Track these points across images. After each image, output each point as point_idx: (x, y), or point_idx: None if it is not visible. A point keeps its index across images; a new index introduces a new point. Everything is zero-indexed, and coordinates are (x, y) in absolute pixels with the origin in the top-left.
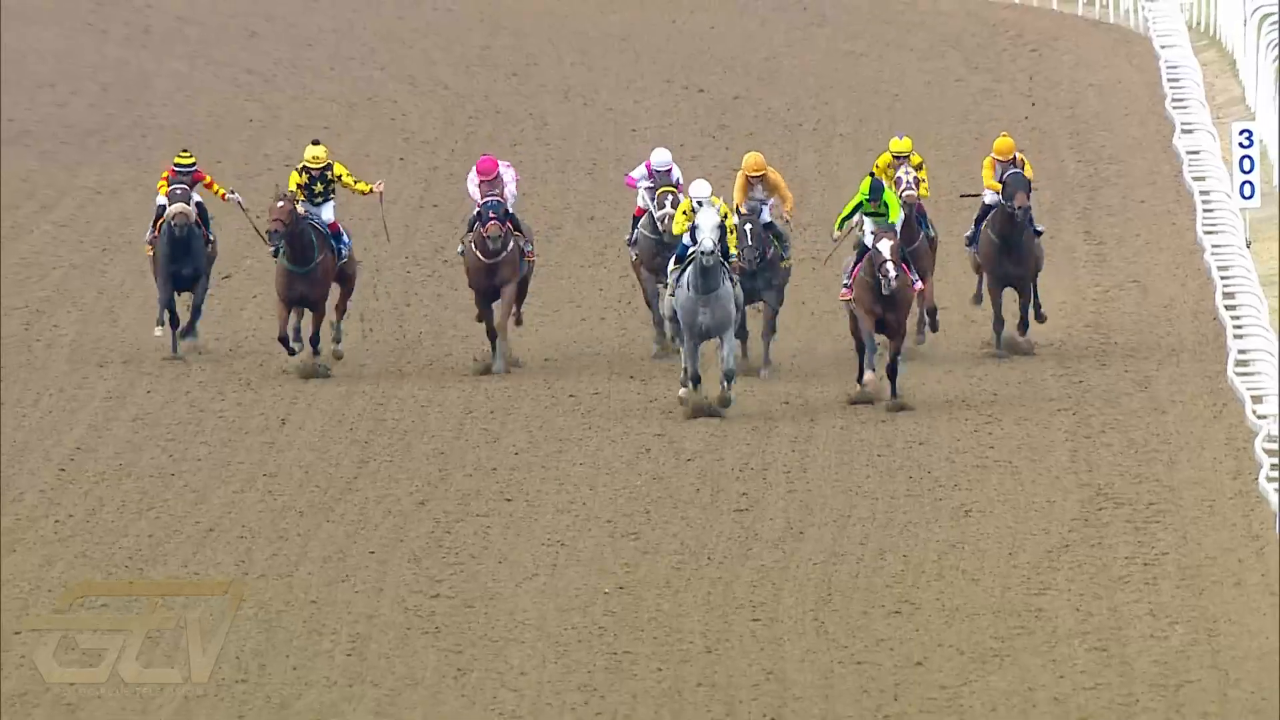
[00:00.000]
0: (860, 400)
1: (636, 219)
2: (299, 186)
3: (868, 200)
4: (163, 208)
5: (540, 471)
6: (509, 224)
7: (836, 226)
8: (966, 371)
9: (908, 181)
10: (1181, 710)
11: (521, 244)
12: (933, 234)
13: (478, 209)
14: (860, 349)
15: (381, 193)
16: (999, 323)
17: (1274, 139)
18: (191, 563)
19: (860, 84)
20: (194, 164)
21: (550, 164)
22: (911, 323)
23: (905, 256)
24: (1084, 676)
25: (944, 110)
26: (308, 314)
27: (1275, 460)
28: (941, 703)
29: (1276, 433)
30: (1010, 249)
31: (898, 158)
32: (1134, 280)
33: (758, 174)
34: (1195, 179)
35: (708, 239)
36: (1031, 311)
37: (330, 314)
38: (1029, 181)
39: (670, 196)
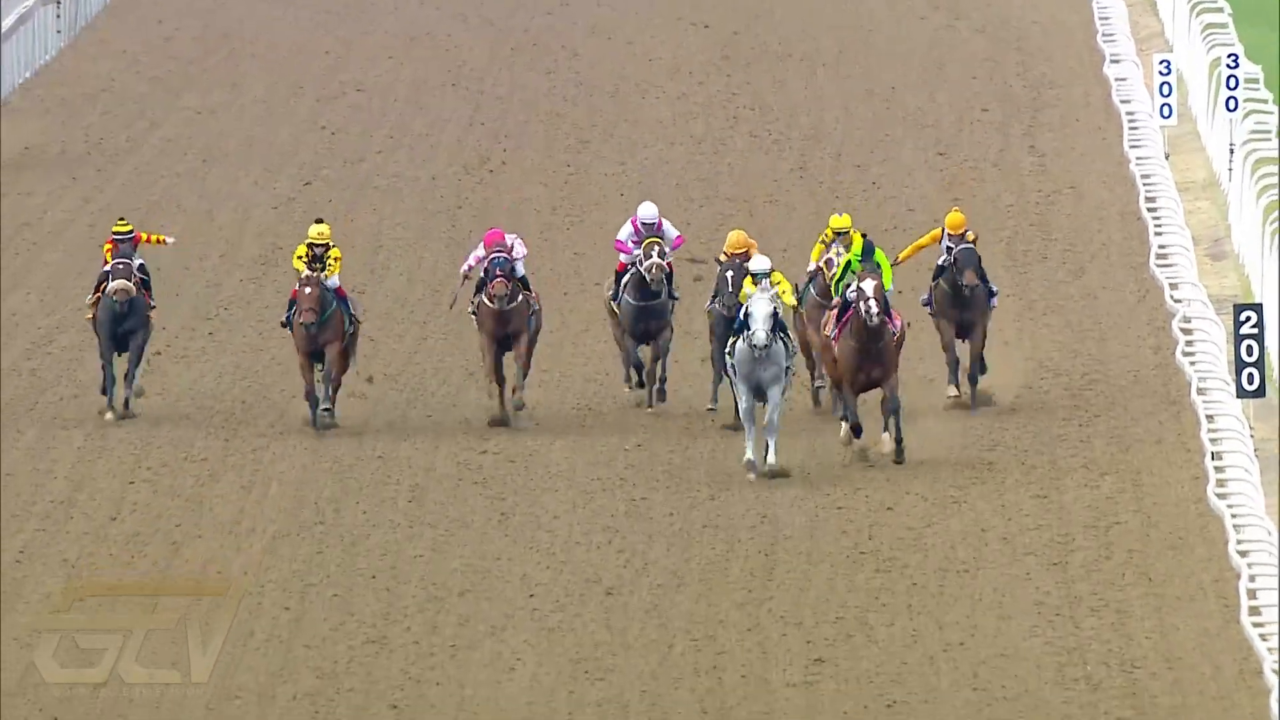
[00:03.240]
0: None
1: (620, 274)
2: (303, 258)
3: (859, 260)
4: (107, 274)
5: (570, 348)
6: (516, 282)
7: (834, 291)
8: (926, 265)
9: (838, 261)
10: (1110, 547)
11: (531, 301)
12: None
13: (485, 268)
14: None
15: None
16: (955, 363)
17: (1188, 67)
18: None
19: (840, 22)
20: (131, 231)
21: (580, 89)
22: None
23: (887, 303)
24: (1028, 519)
25: (911, 42)
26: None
27: (1188, 338)
28: (909, 541)
29: (1189, 314)
30: (963, 301)
31: (838, 234)
32: (1071, 187)
33: (740, 251)
34: (1122, 101)
35: (760, 331)
36: (976, 365)
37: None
38: (979, 256)
39: (656, 247)
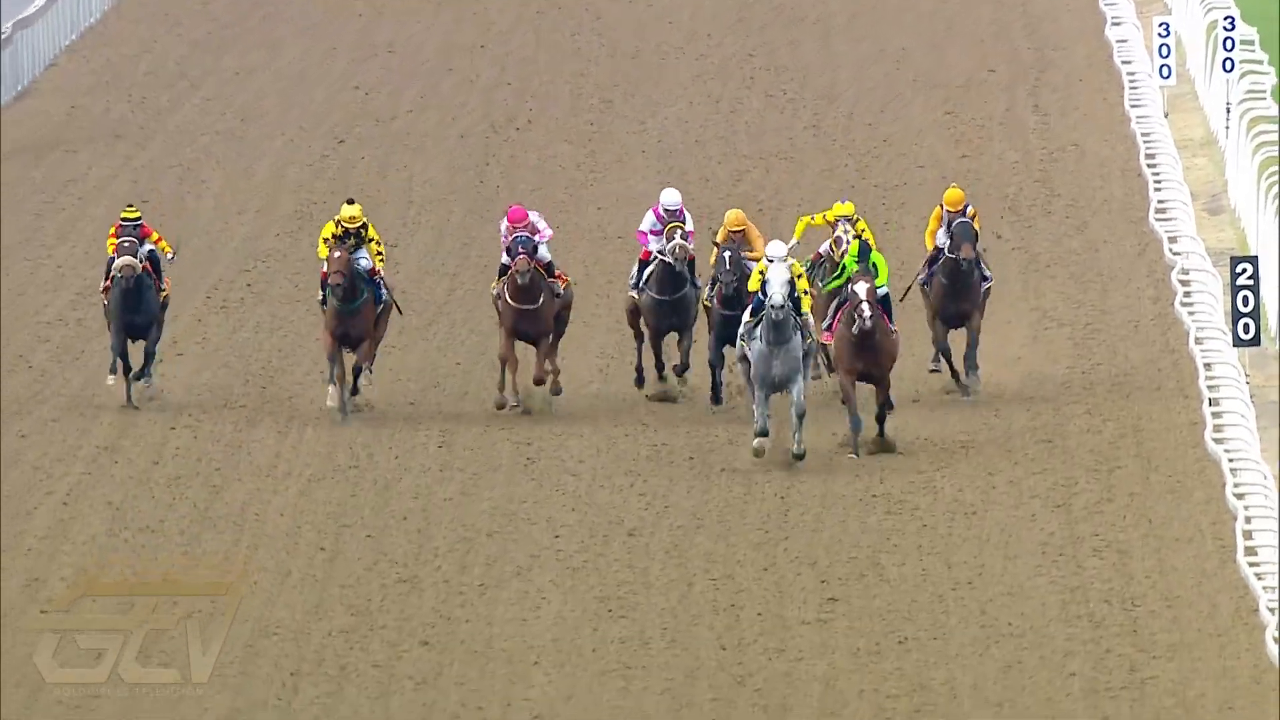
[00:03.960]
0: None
1: (643, 263)
2: (334, 237)
3: (855, 262)
4: (113, 260)
5: (594, 300)
6: (538, 264)
7: (849, 266)
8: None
9: (847, 241)
10: (1112, 490)
11: (555, 288)
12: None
13: (508, 245)
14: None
15: (379, 273)
16: (948, 354)
17: (1186, 29)
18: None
19: None
20: (139, 219)
21: (602, 49)
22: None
23: (886, 305)
24: (1033, 464)
25: (921, 6)
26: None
27: (1186, 290)
28: (919, 484)
29: (1187, 266)
30: (959, 292)
31: (843, 219)
32: (1074, 144)
33: (738, 229)
34: (1123, 62)
35: (777, 293)
36: (968, 360)
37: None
38: (976, 233)
39: (679, 230)
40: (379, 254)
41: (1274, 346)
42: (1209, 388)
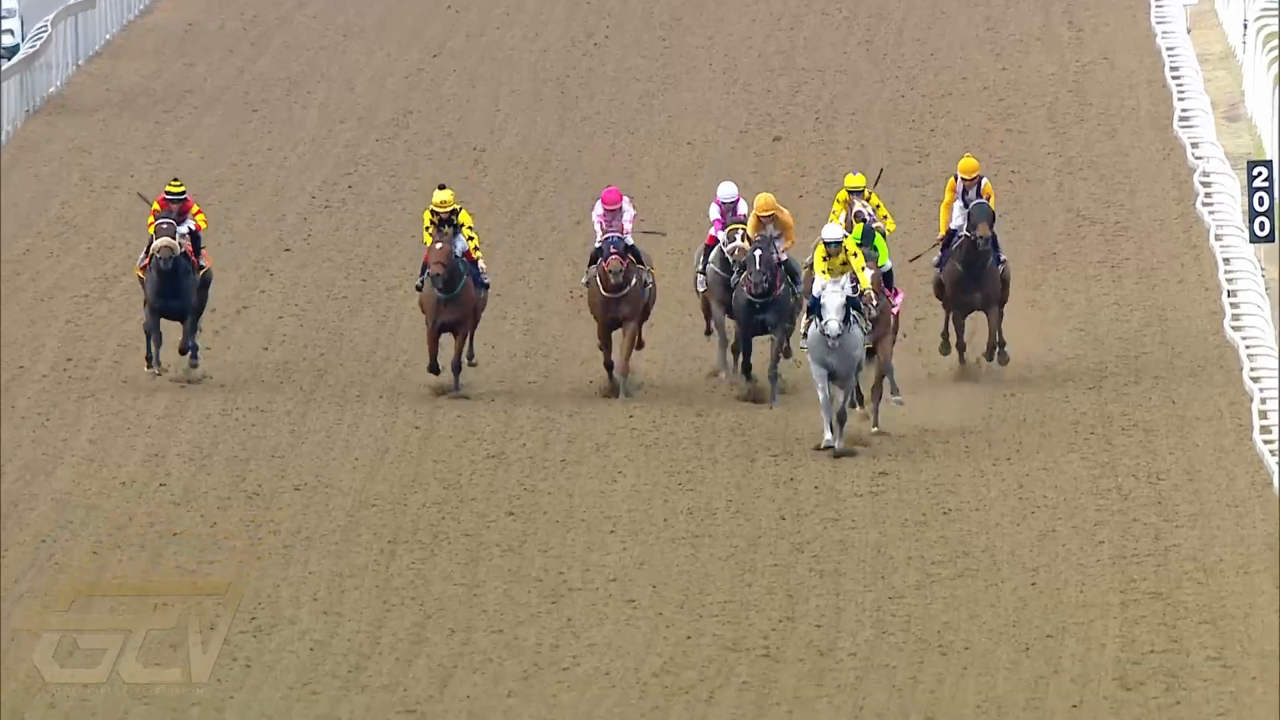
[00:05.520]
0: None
1: (709, 247)
2: (431, 225)
3: (859, 245)
4: (152, 239)
5: (664, 200)
6: (630, 257)
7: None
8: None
9: (868, 214)
10: (1139, 374)
11: (644, 276)
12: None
13: (599, 244)
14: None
15: (479, 261)
16: (962, 346)
17: None
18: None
19: None
20: (183, 193)
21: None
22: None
23: (888, 280)
24: (1066, 349)
25: None
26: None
27: (1207, 191)
28: (962, 371)
29: (1208, 169)
30: (974, 277)
31: (852, 192)
32: (1105, 58)
33: (768, 214)
34: None
35: (833, 322)
36: (998, 344)
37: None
38: (992, 212)
39: (740, 232)
40: (471, 238)
41: None
42: (1227, 280)
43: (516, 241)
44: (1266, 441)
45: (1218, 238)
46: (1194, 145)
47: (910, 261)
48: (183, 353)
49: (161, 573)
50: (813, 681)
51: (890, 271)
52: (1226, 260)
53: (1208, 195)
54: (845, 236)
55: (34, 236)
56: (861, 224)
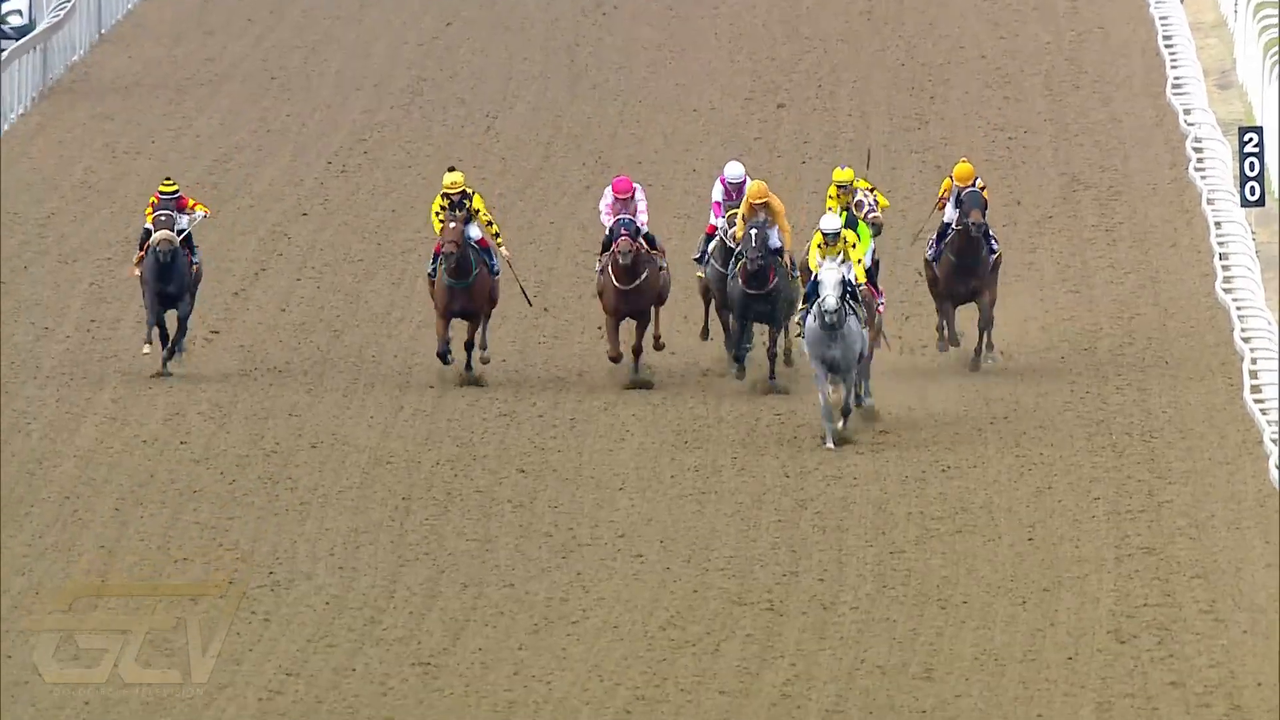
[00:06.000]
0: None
1: (709, 236)
2: (442, 209)
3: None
4: (148, 232)
5: (672, 167)
6: (641, 241)
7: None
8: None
9: (869, 203)
10: (1133, 335)
11: (658, 261)
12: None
13: (610, 228)
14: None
15: (509, 257)
16: (955, 342)
17: None
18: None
19: None
20: (177, 191)
21: None
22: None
23: (872, 275)
24: (1062, 311)
25: None
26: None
27: (1199, 156)
28: (958, 332)
29: (1200, 135)
30: (968, 267)
31: (841, 187)
32: (1100, 26)
33: (760, 201)
34: None
35: (831, 298)
36: (989, 345)
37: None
38: (985, 201)
39: (738, 216)
40: (489, 223)
41: (1277, 207)
42: (1219, 243)
43: (528, 206)
44: (1257, 400)
45: (1209, 202)
46: (1186, 112)
47: (912, 244)
48: (169, 357)
49: (180, 528)
50: (815, 634)
51: (873, 269)
52: (1218, 224)
53: (1200, 160)
54: (843, 228)
55: (59, 200)
56: (845, 213)
